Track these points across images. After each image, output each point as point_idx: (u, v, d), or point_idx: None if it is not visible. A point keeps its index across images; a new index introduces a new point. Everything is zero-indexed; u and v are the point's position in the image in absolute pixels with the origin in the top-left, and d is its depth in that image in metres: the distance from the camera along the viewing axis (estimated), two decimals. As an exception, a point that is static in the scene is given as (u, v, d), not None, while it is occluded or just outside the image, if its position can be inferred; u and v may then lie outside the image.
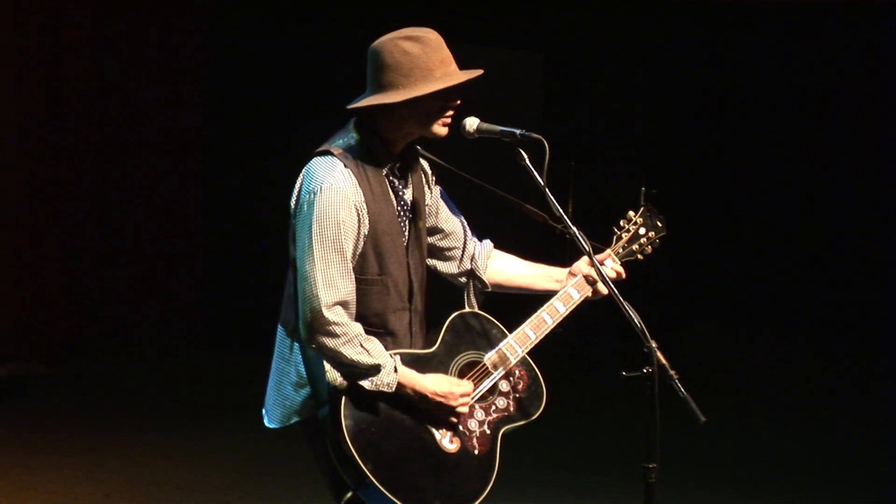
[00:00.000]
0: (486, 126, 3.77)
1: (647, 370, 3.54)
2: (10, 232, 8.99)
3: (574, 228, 3.71)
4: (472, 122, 3.78)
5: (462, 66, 3.71)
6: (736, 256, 10.76)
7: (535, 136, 3.68)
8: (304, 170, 3.67)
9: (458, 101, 3.69)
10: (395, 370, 3.60)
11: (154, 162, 10.02)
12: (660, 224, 4.05)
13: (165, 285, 10.14)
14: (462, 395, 3.66)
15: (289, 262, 3.69)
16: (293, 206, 3.66)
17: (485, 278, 3.95)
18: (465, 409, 3.68)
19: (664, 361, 3.55)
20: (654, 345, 3.56)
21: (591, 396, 8.36)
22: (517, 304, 3.96)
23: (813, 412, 8.52)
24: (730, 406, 8.23)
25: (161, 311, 10.09)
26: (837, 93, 10.42)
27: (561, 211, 3.68)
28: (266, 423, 3.81)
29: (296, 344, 3.69)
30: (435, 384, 3.64)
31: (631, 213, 4.04)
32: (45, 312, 9.19)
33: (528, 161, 3.70)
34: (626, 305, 3.64)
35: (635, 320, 3.61)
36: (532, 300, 3.94)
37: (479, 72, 3.67)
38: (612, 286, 3.73)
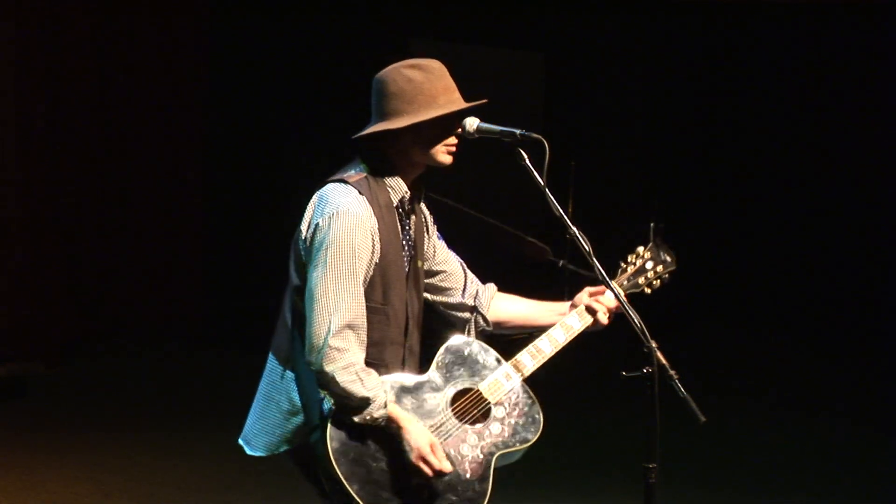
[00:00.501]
0: (485, 126, 3.75)
1: (647, 370, 3.54)
2: (10, 232, 8.99)
3: (574, 229, 3.70)
4: (471, 122, 3.75)
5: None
6: (736, 257, 10.77)
7: (535, 136, 3.66)
8: (316, 196, 3.64)
9: (461, 129, 3.70)
10: (385, 405, 3.56)
11: (154, 162, 10.02)
12: (669, 259, 4.03)
13: (165, 286, 10.14)
14: (438, 471, 3.57)
15: (288, 288, 3.65)
16: (304, 232, 3.62)
17: (487, 315, 3.93)
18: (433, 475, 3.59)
19: (664, 361, 3.55)
20: (654, 345, 3.56)
21: (590, 397, 8.36)
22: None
23: (813, 412, 8.52)
24: (730, 406, 8.22)
25: (161, 311, 10.09)
26: (837, 93, 10.43)
27: (561, 211, 3.67)
28: (248, 452, 3.78)
29: (288, 371, 3.66)
30: (422, 440, 3.57)
31: (640, 248, 4.02)
32: (45, 312, 9.18)
33: (528, 161, 3.69)
34: (627, 305, 3.64)
35: (635, 320, 3.60)
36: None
37: (483, 101, 3.69)
38: (612, 286, 3.73)
